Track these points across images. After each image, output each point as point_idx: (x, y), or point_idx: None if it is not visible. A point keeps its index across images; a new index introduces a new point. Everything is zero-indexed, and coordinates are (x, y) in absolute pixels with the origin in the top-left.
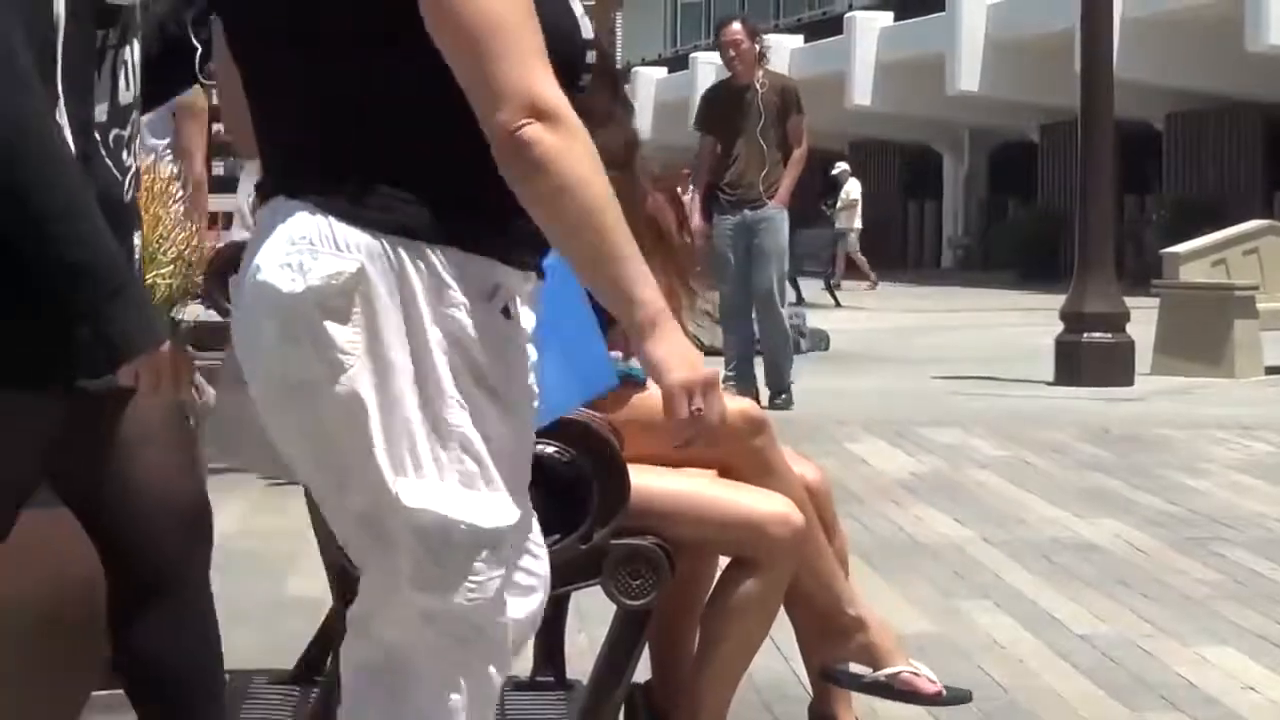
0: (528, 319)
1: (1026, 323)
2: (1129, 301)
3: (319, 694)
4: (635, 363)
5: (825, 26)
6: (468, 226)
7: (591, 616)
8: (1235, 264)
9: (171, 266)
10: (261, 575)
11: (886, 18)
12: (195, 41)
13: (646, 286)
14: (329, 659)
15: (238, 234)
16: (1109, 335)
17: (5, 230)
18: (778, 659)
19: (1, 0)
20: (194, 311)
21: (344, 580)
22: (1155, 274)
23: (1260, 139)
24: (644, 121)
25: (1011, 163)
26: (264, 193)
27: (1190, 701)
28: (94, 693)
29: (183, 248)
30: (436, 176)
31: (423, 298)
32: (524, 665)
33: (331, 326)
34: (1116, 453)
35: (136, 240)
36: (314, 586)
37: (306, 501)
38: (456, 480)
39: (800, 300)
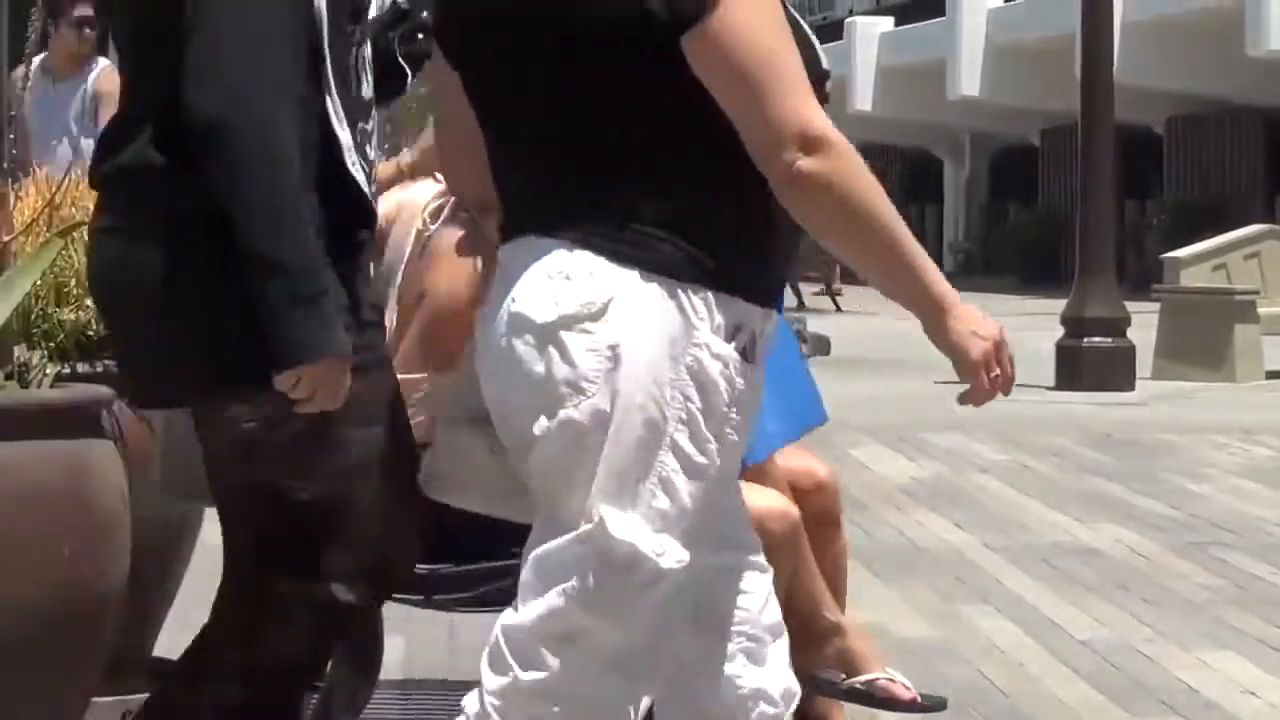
0: (764, 360)
1: (1027, 327)
2: (1130, 306)
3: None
4: None
5: (825, 32)
6: (718, 265)
7: None
8: (1236, 268)
9: None
10: None
11: (887, 22)
12: (402, 61)
13: (934, 276)
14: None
15: None
16: (1110, 340)
17: (225, 215)
18: None
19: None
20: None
21: None
22: (1156, 278)
23: (1261, 143)
24: None
25: (1012, 167)
26: (508, 231)
27: (1190, 706)
28: (94, 699)
29: None
30: (689, 215)
31: (668, 334)
32: None
33: (578, 353)
34: (1117, 457)
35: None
36: None
37: None
38: (646, 516)
39: (801, 305)
